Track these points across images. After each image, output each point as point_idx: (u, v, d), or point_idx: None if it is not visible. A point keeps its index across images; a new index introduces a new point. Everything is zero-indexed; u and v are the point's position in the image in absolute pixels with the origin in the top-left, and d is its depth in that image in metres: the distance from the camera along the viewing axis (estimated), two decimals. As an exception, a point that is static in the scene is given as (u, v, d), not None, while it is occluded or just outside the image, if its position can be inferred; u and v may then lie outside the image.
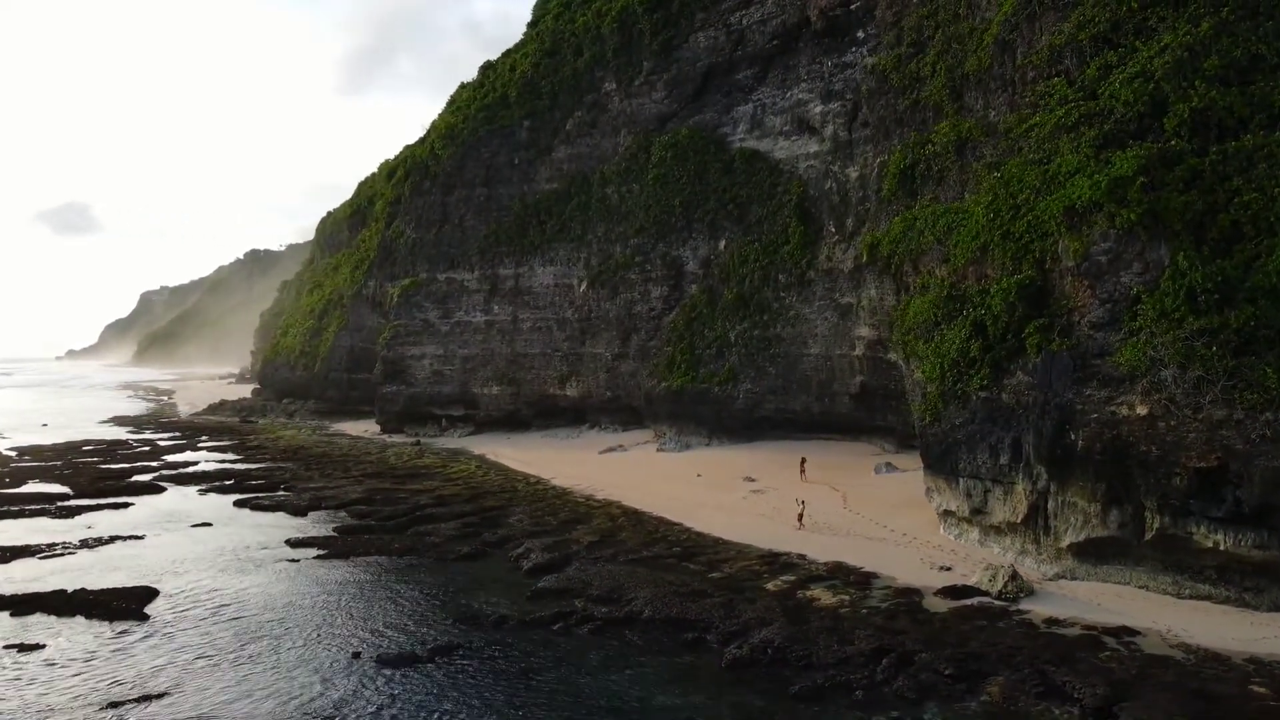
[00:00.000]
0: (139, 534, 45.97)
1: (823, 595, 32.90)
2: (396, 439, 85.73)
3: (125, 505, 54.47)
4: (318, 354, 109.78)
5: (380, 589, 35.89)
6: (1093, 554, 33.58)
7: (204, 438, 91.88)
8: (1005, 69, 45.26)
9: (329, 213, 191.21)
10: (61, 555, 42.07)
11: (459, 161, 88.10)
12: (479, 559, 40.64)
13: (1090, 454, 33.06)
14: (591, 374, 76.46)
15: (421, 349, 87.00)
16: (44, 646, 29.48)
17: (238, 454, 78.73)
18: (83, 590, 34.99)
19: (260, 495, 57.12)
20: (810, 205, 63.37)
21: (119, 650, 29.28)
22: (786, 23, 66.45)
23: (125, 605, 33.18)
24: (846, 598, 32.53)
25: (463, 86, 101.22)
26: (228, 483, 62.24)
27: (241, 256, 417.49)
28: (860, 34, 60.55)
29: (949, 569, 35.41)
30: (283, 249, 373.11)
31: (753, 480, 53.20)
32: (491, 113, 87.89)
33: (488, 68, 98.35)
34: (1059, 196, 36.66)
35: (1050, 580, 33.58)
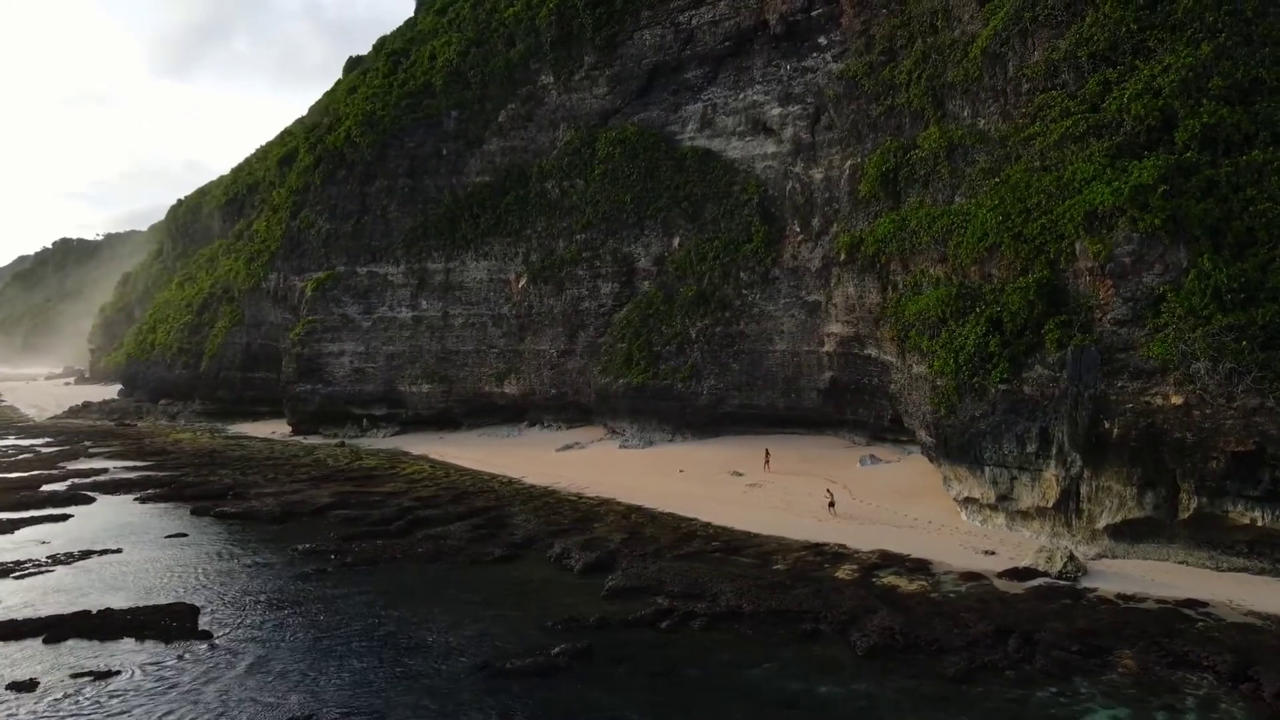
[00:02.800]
0: (114, 548, 41.80)
1: (899, 582, 33.93)
2: (313, 440, 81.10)
3: (64, 517, 49.56)
4: (204, 352, 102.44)
5: (439, 595, 34.24)
6: (1128, 534, 36.16)
7: (87, 443, 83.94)
8: (996, 80, 47.83)
9: (181, 200, 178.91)
10: (36, 574, 37.92)
11: (379, 150, 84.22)
12: (514, 561, 39.38)
13: (1125, 441, 35.60)
14: (534, 371, 75.05)
15: (340, 346, 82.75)
16: (118, 673, 26.60)
17: (143, 460, 72.50)
18: (108, 610, 31.68)
19: (214, 503, 52.92)
20: (770, 205, 64.67)
21: (206, 672, 26.82)
22: (740, 25, 67.37)
23: (176, 624, 30.35)
24: (925, 584, 33.65)
25: (369, 72, 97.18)
26: (160, 490, 57.51)
27: (50, 246, 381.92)
28: (822, 40, 62.24)
29: (993, 553, 37.20)
30: (100, 238, 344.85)
31: (741, 474, 53.85)
32: (415, 101, 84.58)
33: (397, 55, 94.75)
34: (1079, 201, 39.18)
35: (1094, 560, 35.91)
